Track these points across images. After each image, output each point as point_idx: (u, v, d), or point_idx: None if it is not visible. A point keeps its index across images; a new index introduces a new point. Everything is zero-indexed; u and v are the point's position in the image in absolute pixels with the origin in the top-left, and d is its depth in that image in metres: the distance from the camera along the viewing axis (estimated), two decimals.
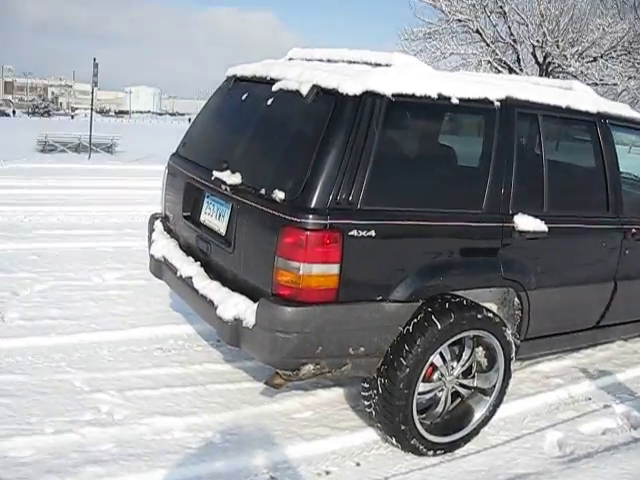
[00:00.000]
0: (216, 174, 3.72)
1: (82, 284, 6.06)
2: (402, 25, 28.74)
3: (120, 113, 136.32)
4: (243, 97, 4.10)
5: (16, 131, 30.91)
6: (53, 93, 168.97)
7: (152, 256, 4.43)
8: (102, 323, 5.12)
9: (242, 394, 4.21)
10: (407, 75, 3.50)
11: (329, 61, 4.12)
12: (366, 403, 3.67)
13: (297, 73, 3.64)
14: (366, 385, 3.62)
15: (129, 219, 9.24)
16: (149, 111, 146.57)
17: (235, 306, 3.41)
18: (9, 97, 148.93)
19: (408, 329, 3.43)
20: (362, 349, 3.37)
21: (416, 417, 3.58)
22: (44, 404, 3.84)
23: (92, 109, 23.48)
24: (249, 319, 3.30)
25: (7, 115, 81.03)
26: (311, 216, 3.12)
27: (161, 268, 4.33)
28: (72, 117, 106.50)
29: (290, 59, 4.44)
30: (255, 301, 3.32)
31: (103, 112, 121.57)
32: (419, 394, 3.58)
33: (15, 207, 9.50)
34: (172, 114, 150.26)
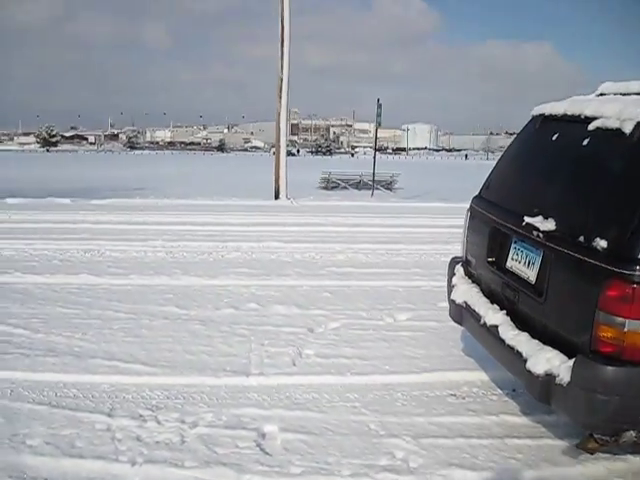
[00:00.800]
0: (527, 219, 3.52)
1: (374, 323, 6.11)
2: None
3: (397, 150, 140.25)
4: (553, 137, 3.86)
5: (301, 169, 32.76)
6: (334, 133, 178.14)
7: (453, 301, 4.32)
8: (395, 365, 5.08)
9: (542, 452, 3.90)
10: None
11: None
12: None
13: (617, 110, 3.33)
14: None
15: (416, 257, 9.30)
16: (426, 147, 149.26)
17: (547, 361, 3.17)
18: (295, 138, 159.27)
19: None
20: None
21: None
22: (341, 445, 3.83)
23: (375, 148, 24.27)
24: (563, 376, 3.04)
25: (293, 154, 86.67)
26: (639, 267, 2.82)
27: (462, 314, 4.20)
28: (352, 155, 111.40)
29: (601, 94, 4.13)
30: (570, 356, 3.05)
31: (381, 149, 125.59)
32: None
33: (307, 244, 9.98)
34: (448, 150, 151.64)
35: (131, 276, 7.78)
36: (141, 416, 4.05)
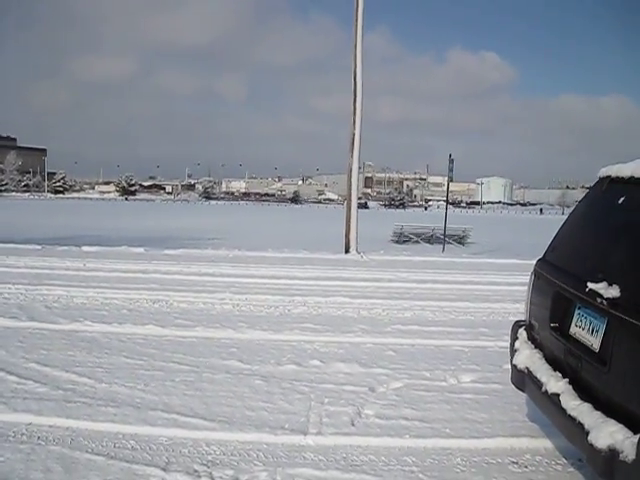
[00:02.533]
0: (590, 285, 3.41)
1: (437, 384, 5.99)
2: None
3: (471, 204, 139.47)
4: (619, 200, 3.76)
5: (374, 222, 32.82)
6: (408, 186, 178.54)
7: (515, 366, 4.21)
8: (455, 428, 4.95)
9: None
10: None
11: None
12: None
13: None
14: None
15: (484, 317, 9.14)
16: (500, 201, 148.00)
17: (610, 435, 3.03)
18: (368, 190, 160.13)
19: None
20: None
21: None
22: None
23: (447, 202, 24.12)
24: (627, 452, 2.88)
25: (367, 207, 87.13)
26: None
27: (524, 380, 4.08)
28: (425, 208, 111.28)
29: None
30: (635, 431, 2.91)
31: (455, 203, 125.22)
32: None
33: (374, 300, 9.93)
34: (523, 204, 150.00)
35: (197, 328, 7.86)
36: (196, 471, 4.04)
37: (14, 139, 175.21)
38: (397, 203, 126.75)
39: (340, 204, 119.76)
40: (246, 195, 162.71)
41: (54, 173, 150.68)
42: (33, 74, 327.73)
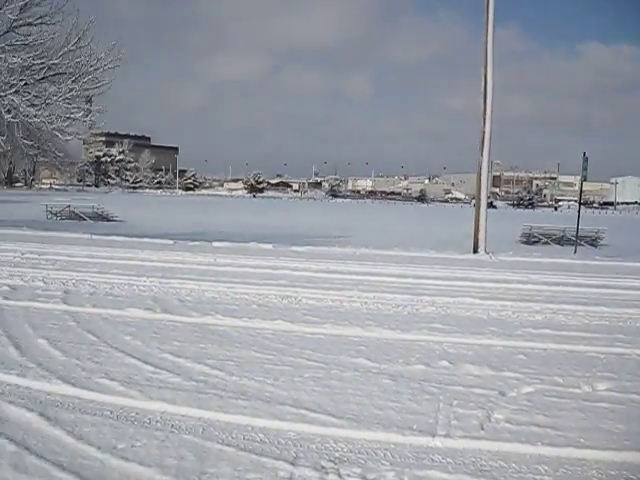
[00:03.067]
0: None
1: (570, 391, 5.78)
2: None
3: (604, 204, 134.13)
4: None
5: (501, 222, 32.14)
6: (537, 185, 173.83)
7: None
8: (591, 438, 4.75)
9: None
10: None
11: None
12: None
13: None
14: None
15: (620, 322, 8.76)
16: (635, 202, 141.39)
17: None
18: (496, 190, 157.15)
19: None
20: None
21: None
22: None
23: (580, 202, 23.30)
24: None
25: (494, 207, 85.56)
26: None
27: None
28: (555, 209, 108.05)
29: None
30: None
31: (587, 204, 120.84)
32: None
33: (504, 302, 9.73)
34: None
35: (325, 325, 7.95)
36: (323, 468, 4.08)
37: (148, 138, 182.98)
38: (526, 203, 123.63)
39: (467, 203, 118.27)
40: (372, 193, 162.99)
41: (185, 171, 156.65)
42: (166, 75, 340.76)
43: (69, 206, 39.16)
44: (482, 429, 4.82)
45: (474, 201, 20.68)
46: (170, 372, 5.86)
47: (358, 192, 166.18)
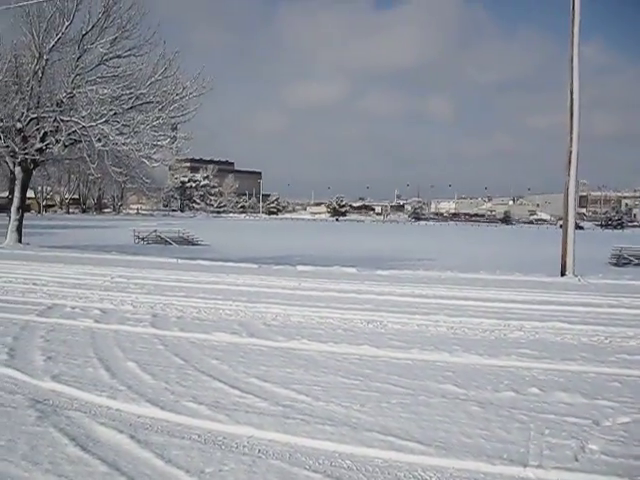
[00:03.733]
0: None
1: None
2: None
3: None
4: None
5: (589, 244, 31.31)
6: (627, 205, 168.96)
7: None
8: None
9: None
10: None
11: None
12: None
13: None
14: None
15: None
16: None
17: None
18: (583, 210, 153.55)
19: None
20: None
21: None
22: None
23: None
24: None
25: (581, 228, 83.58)
26: None
27: None
28: None
29: None
30: None
31: None
32: None
33: (595, 327, 9.44)
34: None
35: (412, 350, 7.86)
36: None
37: (232, 163, 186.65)
38: (614, 223, 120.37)
39: (553, 224, 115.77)
40: (455, 215, 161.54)
41: (268, 195, 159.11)
42: (248, 101, 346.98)
43: (155, 231, 40.26)
44: (576, 460, 4.65)
45: (560, 222, 20.24)
46: (257, 396, 5.89)
47: (441, 214, 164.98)
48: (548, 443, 4.92)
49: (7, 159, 27.22)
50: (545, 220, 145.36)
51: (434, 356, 7.61)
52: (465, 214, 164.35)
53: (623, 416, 5.61)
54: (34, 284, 13.62)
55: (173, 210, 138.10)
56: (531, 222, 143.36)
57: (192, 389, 6.10)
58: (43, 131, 26.26)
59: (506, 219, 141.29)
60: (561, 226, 19.73)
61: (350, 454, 4.63)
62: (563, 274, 18.13)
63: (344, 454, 4.63)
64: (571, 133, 18.50)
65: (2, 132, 25.93)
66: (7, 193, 35.45)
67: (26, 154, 26.35)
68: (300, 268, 18.07)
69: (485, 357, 7.60)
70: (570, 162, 18.49)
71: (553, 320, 9.96)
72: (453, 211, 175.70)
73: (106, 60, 26.31)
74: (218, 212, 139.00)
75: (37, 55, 25.78)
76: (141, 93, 25.19)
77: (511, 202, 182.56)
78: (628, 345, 8.46)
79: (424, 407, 5.71)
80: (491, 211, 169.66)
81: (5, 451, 4.49)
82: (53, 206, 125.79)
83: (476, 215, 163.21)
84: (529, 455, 4.68)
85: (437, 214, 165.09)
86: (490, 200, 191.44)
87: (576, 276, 17.59)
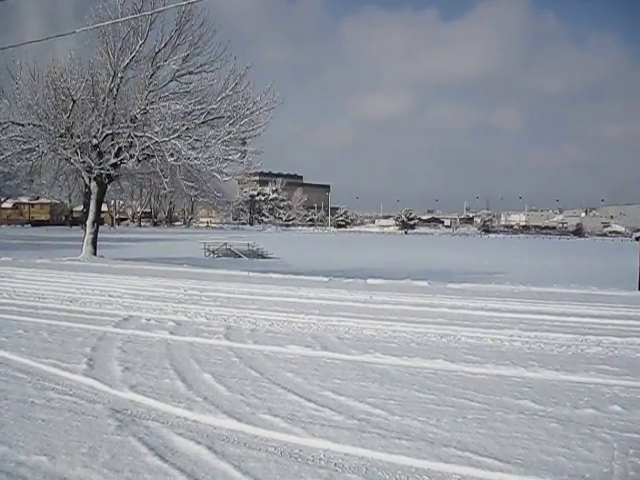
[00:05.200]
0: None
1: None
2: None
3: None
4: None
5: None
6: None
7: None
8: None
9: None
10: None
11: None
12: None
13: None
14: None
15: None
16: None
17: None
18: None
19: None
20: None
21: None
22: None
23: None
24: None
25: None
26: None
27: None
28: None
29: None
30: None
31: None
32: None
33: None
34: None
35: (486, 365, 7.74)
36: None
37: (300, 177, 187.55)
38: None
39: (627, 237, 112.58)
40: (526, 228, 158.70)
41: (337, 208, 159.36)
42: (316, 116, 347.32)
43: (225, 244, 40.75)
44: None
45: (635, 234, 19.70)
46: (332, 410, 5.88)
47: (511, 227, 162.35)
48: (633, 464, 4.77)
49: (83, 174, 28.01)
50: (619, 232, 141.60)
51: (510, 371, 7.48)
52: (536, 226, 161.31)
53: None
54: (110, 296, 13.95)
55: (242, 223, 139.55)
56: (605, 234, 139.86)
57: (268, 401, 6.14)
58: (118, 147, 26.96)
59: (578, 231, 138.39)
60: (637, 238, 19.29)
61: (427, 469, 4.59)
62: None
63: (421, 469, 4.59)
64: None
65: (79, 148, 26.76)
66: (82, 207, 36.40)
67: (101, 169, 27.09)
68: (370, 281, 18.01)
69: (563, 373, 7.42)
70: None
71: (632, 336, 9.68)
72: (523, 223, 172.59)
73: (178, 76, 26.90)
74: (287, 225, 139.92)
75: (112, 73, 26.53)
76: (212, 108, 25.60)
77: (583, 214, 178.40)
78: None
79: (501, 423, 5.61)
80: (563, 223, 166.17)
81: (87, 458, 4.62)
82: (125, 219, 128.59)
83: (547, 227, 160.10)
84: (613, 476, 4.55)
85: (507, 226, 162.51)
86: (561, 212, 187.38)
87: None
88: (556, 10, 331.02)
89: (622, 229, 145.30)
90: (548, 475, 4.52)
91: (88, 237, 28.37)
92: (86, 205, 29.62)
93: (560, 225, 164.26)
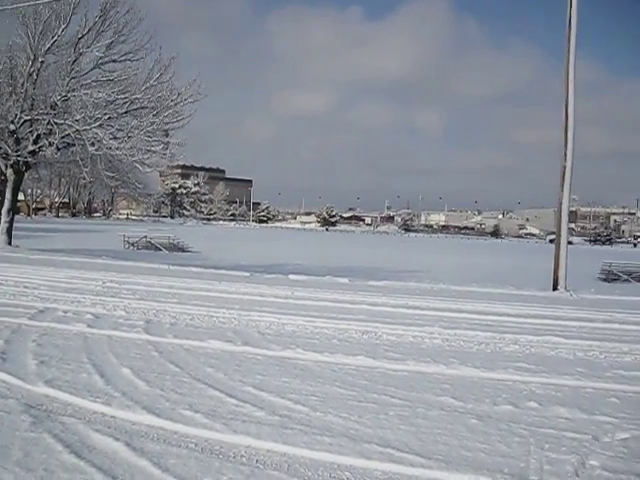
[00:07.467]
0: None
1: None
2: None
3: None
4: None
5: (578, 259, 31.37)
6: (615, 221, 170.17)
7: None
8: None
9: None
10: None
11: None
12: None
13: None
14: None
15: None
16: None
17: None
18: (572, 225, 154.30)
19: None
20: None
21: None
22: None
23: None
24: None
25: (570, 243, 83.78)
26: None
27: None
28: (635, 245, 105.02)
29: None
30: None
31: None
32: None
33: (590, 342, 9.43)
34: None
35: (407, 362, 7.81)
36: None
37: (223, 171, 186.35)
38: (603, 239, 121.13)
39: (542, 239, 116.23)
40: (445, 228, 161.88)
41: (259, 203, 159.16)
42: (240, 109, 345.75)
43: (145, 236, 40.14)
44: (577, 476, 4.61)
45: (549, 237, 20.35)
46: (254, 406, 5.82)
47: (431, 226, 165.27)
48: (548, 458, 4.88)
49: None
50: (534, 234, 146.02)
51: (431, 368, 7.56)
52: (455, 227, 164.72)
53: (622, 432, 5.58)
54: (25, 287, 13.50)
55: (163, 216, 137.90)
56: (520, 236, 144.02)
57: (188, 397, 6.03)
58: (36, 133, 26.14)
59: (495, 233, 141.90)
60: (550, 241, 19.93)
61: (349, 466, 4.58)
62: (555, 288, 18.16)
63: (343, 465, 4.57)
64: (565, 147, 18.56)
65: None
66: None
67: (18, 156, 26.22)
68: (292, 277, 18.04)
69: (482, 370, 7.56)
70: (564, 177, 18.56)
71: (548, 334, 9.95)
72: (443, 223, 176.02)
73: (101, 64, 26.25)
74: (208, 219, 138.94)
75: (32, 57, 25.67)
76: (136, 98, 25.12)
77: (501, 216, 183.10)
78: (623, 361, 8.45)
79: (422, 419, 5.66)
80: (481, 224, 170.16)
81: None
82: (43, 209, 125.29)
83: (466, 228, 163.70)
84: (529, 470, 4.63)
85: (427, 226, 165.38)
86: (480, 213, 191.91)
87: (568, 291, 17.62)
88: (476, 15, 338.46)
89: (537, 231, 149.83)
90: (468, 470, 4.57)
91: (3, 226, 27.40)
92: (1, 193, 28.67)
93: (478, 226, 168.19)
